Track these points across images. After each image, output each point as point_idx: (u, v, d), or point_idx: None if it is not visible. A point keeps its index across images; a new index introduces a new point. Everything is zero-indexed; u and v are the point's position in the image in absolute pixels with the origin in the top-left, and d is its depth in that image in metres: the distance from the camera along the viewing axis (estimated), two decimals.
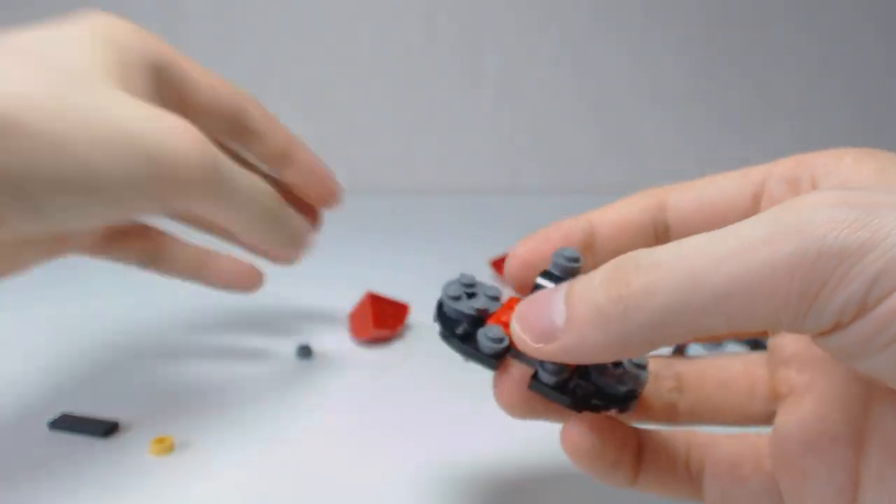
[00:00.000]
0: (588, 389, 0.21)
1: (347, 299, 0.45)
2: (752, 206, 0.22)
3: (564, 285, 0.19)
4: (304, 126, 0.77)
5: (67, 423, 0.29)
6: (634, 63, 0.77)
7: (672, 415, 0.24)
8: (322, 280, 0.49)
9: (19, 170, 0.20)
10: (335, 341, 0.39)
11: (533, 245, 0.24)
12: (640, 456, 0.22)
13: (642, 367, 0.23)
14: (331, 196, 0.34)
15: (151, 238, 0.32)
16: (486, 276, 0.51)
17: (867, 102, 0.80)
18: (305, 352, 0.38)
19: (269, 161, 0.32)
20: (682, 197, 0.23)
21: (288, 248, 0.29)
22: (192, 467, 0.27)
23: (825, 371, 0.21)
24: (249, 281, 0.35)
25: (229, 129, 0.30)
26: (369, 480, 0.27)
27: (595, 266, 0.21)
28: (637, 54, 0.77)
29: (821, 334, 0.16)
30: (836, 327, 0.16)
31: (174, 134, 0.22)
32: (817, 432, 0.20)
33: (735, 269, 0.16)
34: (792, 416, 0.21)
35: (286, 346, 0.39)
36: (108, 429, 0.29)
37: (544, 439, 0.29)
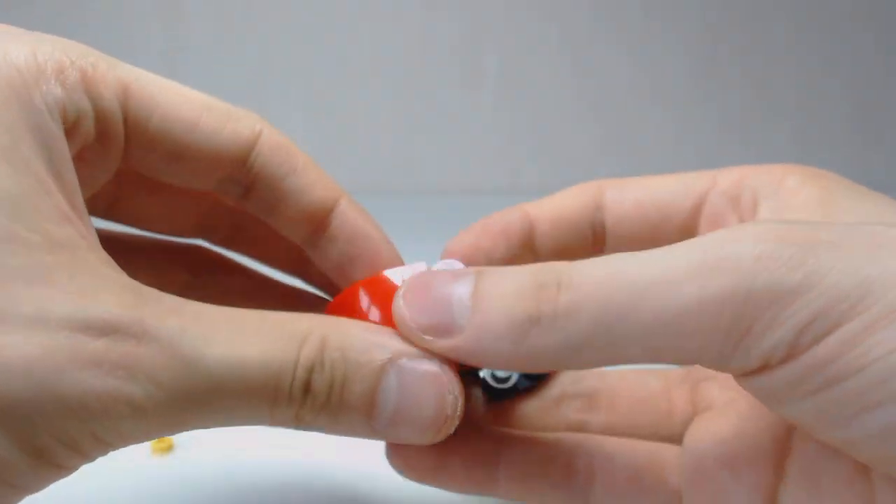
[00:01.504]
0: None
1: None
2: (691, 219, 0.22)
3: (470, 277, 0.16)
4: (305, 126, 0.77)
5: None
6: (635, 63, 0.77)
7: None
8: None
9: None
10: None
11: (470, 241, 0.22)
12: (495, 462, 0.20)
13: None
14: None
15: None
16: None
17: (867, 102, 0.80)
18: None
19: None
20: (622, 199, 0.22)
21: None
22: (192, 467, 0.27)
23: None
24: None
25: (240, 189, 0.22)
26: (369, 479, 0.27)
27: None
28: (637, 54, 0.77)
29: (745, 375, 0.15)
30: (763, 369, 0.15)
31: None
32: (736, 451, 0.19)
33: (660, 303, 0.14)
34: (709, 433, 0.20)
35: None
36: None
37: None
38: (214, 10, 0.73)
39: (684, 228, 0.22)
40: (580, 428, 0.22)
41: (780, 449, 0.18)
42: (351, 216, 0.22)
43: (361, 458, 0.28)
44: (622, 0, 0.76)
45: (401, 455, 0.21)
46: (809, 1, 0.77)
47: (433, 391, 0.16)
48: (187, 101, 0.19)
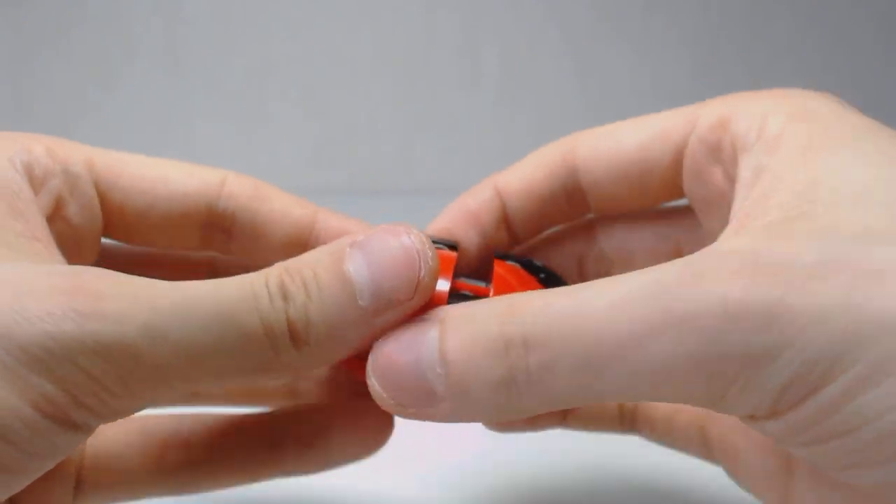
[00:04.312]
0: None
1: None
2: (673, 172, 0.21)
3: (433, 335, 0.15)
4: (304, 126, 0.77)
5: None
6: (635, 63, 0.77)
7: (627, 420, 0.23)
8: None
9: None
10: None
11: (443, 229, 0.22)
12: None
13: None
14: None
15: None
16: None
17: (868, 101, 0.80)
18: None
19: None
20: (595, 159, 0.21)
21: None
22: None
23: None
24: None
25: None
26: (368, 478, 0.27)
27: (511, 238, 0.20)
28: (638, 54, 0.77)
29: (742, 417, 0.15)
30: (752, 419, 0.15)
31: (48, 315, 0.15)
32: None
33: (632, 364, 0.14)
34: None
35: None
36: None
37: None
38: (214, 10, 0.73)
39: (666, 183, 0.21)
40: (626, 415, 0.24)
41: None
42: (334, 222, 0.22)
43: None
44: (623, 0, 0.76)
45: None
46: (811, 1, 0.77)
47: (402, 253, 0.15)
48: (152, 162, 0.21)
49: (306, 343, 0.15)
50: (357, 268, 0.15)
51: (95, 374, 0.14)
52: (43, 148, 0.19)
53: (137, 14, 0.72)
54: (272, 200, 0.21)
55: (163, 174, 0.21)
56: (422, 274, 0.15)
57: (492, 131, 0.77)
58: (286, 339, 0.15)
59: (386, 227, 0.16)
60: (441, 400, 0.15)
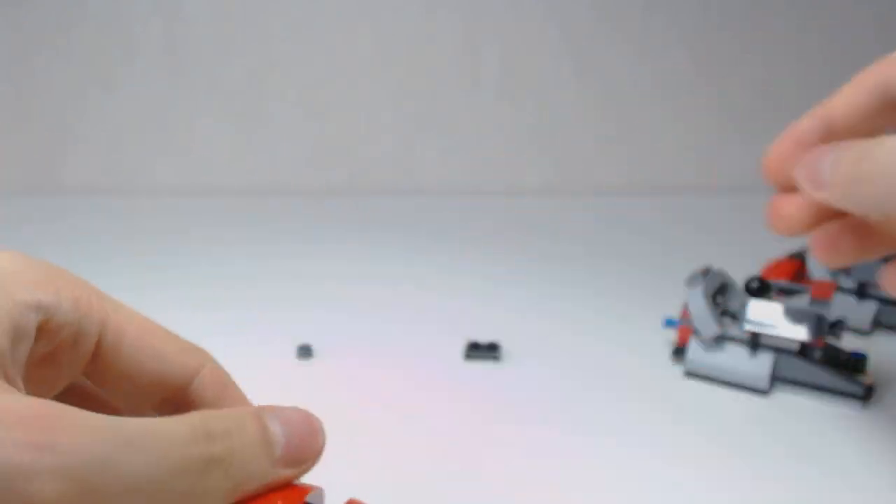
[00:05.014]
0: None
1: (348, 297, 0.45)
2: None
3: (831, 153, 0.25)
4: (304, 126, 0.77)
5: None
6: (636, 63, 0.77)
7: None
8: (322, 278, 0.49)
9: None
10: (335, 341, 0.39)
11: (779, 153, 0.29)
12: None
13: None
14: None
15: None
16: (488, 275, 0.51)
17: None
18: (305, 352, 0.38)
19: None
20: None
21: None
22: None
23: None
24: None
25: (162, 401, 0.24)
26: (368, 477, 0.27)
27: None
28: (638, 54, 0.77)
29: None
30: None
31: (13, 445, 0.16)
32: None
33: None
34: None
35: (286, 346, 0.38)
36: None
37: None
38: (214, 10, 0.73)
39: None
40: None
41: None
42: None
43: (361, 455, 0.28)
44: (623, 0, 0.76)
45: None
46: (811, 1, 0.77)
47: (311, 424, 0.20)
48: (151, 330, 0.22)
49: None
50: (275, 427, 0.19)
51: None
52: (71, 301, 0.20)
53: (137, 14, 0.72)
54: (233, 400, 0.23)
55: (160, 352, 0.22)
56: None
57: (492, 131, 0.77)
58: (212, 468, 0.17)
59: (297, 412, 0.20)
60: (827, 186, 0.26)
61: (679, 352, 0.37)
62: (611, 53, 0.77)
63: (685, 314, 0.37)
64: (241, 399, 0.23)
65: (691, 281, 0.36)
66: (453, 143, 0.77)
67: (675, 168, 0.78)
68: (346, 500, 0.19)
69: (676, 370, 0.37)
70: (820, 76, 0.80)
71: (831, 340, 0.35)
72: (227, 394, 0.23)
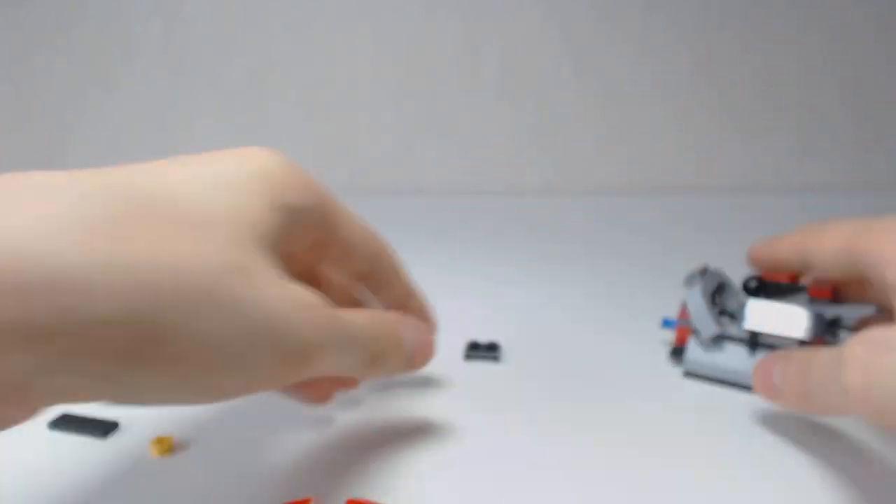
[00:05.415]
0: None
1: None
2: None
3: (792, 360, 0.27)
4: (304, 126, 0.77)
5: (67, 423, 0.29)
6: (636, 63, 0.77)
7: None
8: None
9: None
10: None
11: (760, 257, 0.33)
12: None
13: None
14: (419, 360, 0.30)
15: None
16: (488, 275, 0.51)
17: (868, 100, 0.80)
18: None
19: (384, 307, 0.31)
20: None
21: (399, 373, 0.29)
22: (192, 467, 0.27)
23: None
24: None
25: (359, 274, 0.29)
26: (367, 477, 0.27)
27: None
28: (638, 54, 0.77)
29: None
30: None
31: (310, 324, 0.22)
32: None
33: None
34: None
35: None
36: (108, 429, 0.29)
37: None
38: (214, 10, 0.73)
39: None
40: None
41: None
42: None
43: (360, 455, 0.28)
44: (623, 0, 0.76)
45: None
46: (811, 1, 0.77)
47: (429, 341, 0.28)
48: (355, 223, 0.28)
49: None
50: (408, 334, 0.27)
51: None
52: (319, 204, 0.25)
53: (137, 14, 0.72)
54: (400, 280, 0.30)
55: (362, 233, 0.28)
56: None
57: (492, 131, 0.77)
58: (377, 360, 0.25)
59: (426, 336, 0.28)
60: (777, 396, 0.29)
61: (677, 352, 0.37)
62: (611, 53, 0.77)
63: (683, 314, 0.37)
64: (405, 281, 0.30)
65: (689, 280, 0.36)
66: (453, 143, 0.77)
67: (675, 168, 0.78)
68: (345, 499, 0.19)
69: (675, 370, 0.37)
70: (820, 76, 0.81)
71: (829, 340, 0.35)
72: (399, 278, 0.30)
